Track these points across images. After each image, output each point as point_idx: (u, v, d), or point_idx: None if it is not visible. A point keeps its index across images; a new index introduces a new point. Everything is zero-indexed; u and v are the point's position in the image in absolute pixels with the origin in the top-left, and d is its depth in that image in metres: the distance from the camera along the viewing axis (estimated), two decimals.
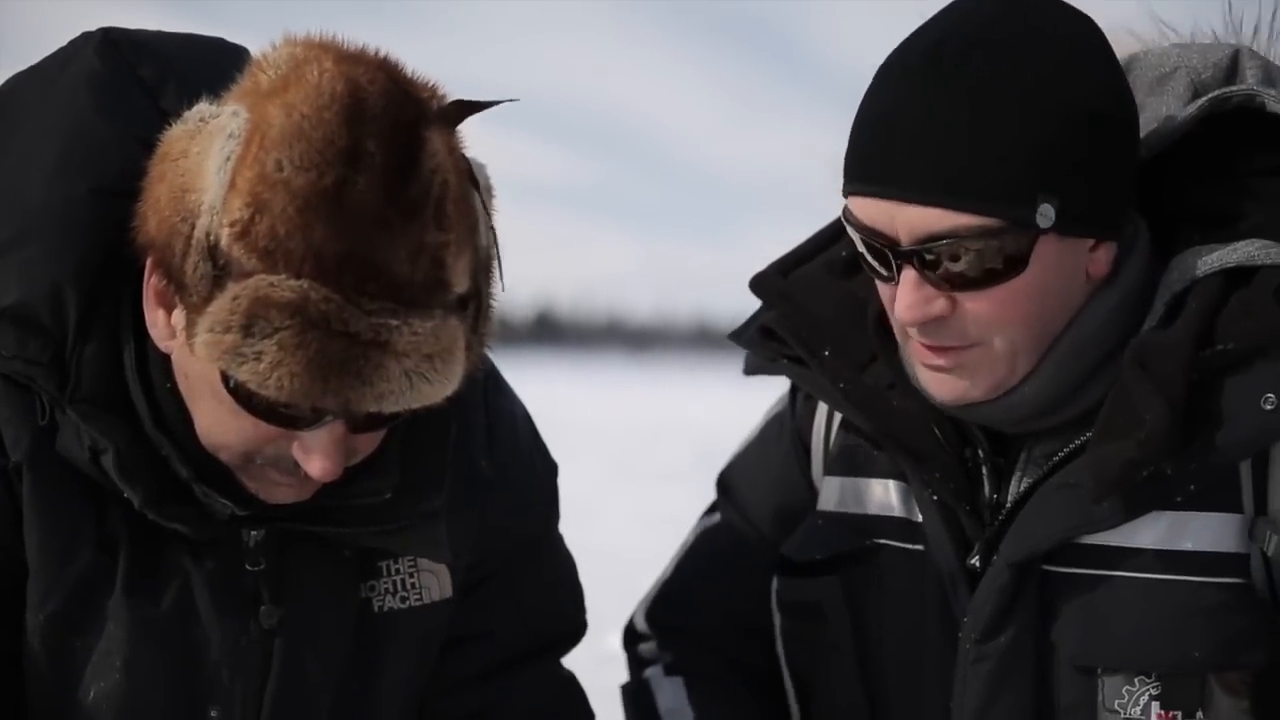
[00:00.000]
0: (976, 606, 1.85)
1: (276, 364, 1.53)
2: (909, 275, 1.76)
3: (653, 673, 2.15)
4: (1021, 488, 1.86)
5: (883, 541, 1.95)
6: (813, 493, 2.07)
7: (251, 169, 1.54)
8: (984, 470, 1.89)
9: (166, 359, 1.70)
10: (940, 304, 1.77)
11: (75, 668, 1.74)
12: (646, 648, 2.19)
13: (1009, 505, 1.86)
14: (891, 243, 1.76)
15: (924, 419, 1.89)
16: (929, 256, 1.74)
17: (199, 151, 1.59)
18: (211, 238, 1.56)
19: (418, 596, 1.88)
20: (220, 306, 1.55)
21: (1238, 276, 1.79)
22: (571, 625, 2.07)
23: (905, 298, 1.77)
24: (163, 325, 1.66)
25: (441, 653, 1.93)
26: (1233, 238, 1.81)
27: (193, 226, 1.57)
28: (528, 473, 2.01)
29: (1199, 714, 1.80)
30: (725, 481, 2.20)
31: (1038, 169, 1.72)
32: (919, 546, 1.92)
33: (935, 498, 1.89)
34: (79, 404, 1.70)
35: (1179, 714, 1.80)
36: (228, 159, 1.56)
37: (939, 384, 1.83)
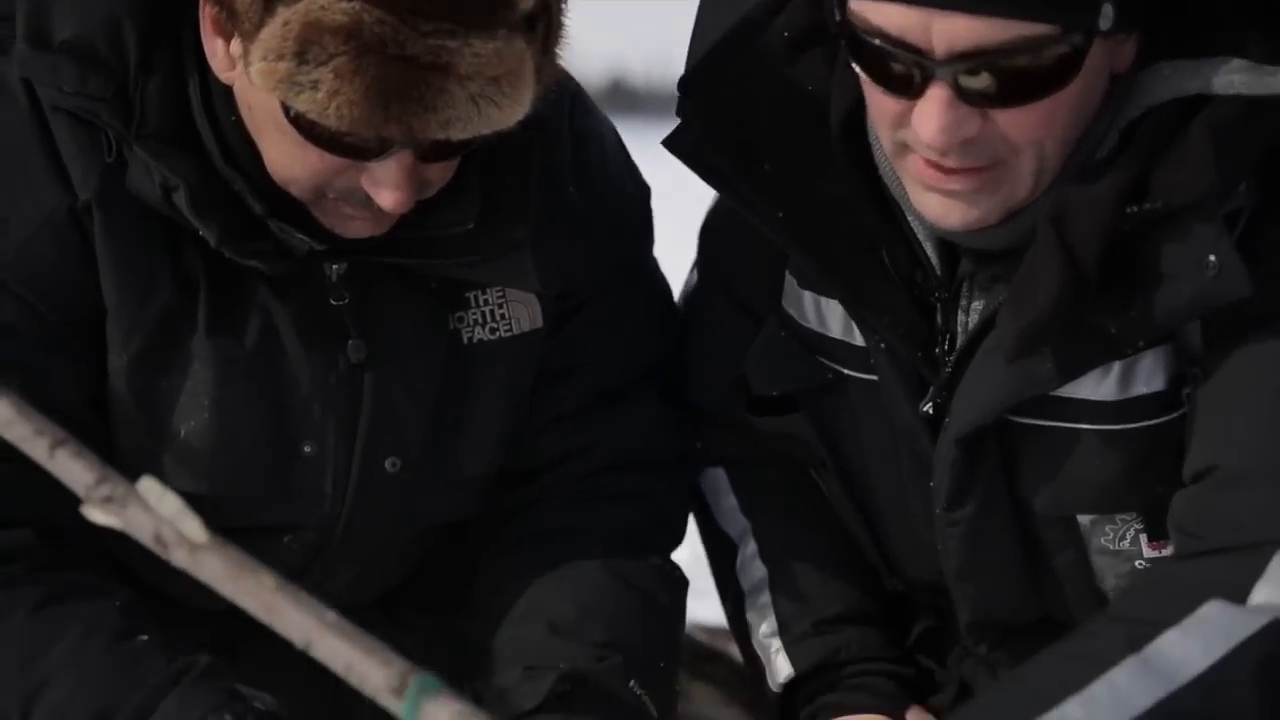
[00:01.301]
0: (937, 474, 1.76)
1: (334, 92, 1.49)
2: (941, 93, 1.54)
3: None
4: (970, 318, 1.72)
5: (847, 372, 1.83)
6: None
7: None
8: (935, 298, 1.74)
9: (230, 92, 1.65)
10: (974, 123, 1.56)
11: (163, 408, 1.74)
12: None
13: (959, 344, 1.73)
14: (922, 55, 1.54)
15: (873, 244, 1.73)
16: (970, 71, 1.53)
17: None
18: None
19: (507, 327, 1.85)
20: (271, 33, 1.50)
21: (1198, 103, 1.59)
22: (670, 350, 2.01)
23: (936, 119, 1.54)
24: (222, 55, 1.62)
25: (537, 387, 1.90)
26: (1206, 50, 1.59)
27: None
28: (619, 196, 1.95)
29: None
30: (706, 235, 2.03)
31: None
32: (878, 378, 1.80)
33: (883, 346, 1.76)
34: (146, 140, 1.66)
35: (1168, 545, 1.72)
36: None
37: (946, 210, 1.64)
